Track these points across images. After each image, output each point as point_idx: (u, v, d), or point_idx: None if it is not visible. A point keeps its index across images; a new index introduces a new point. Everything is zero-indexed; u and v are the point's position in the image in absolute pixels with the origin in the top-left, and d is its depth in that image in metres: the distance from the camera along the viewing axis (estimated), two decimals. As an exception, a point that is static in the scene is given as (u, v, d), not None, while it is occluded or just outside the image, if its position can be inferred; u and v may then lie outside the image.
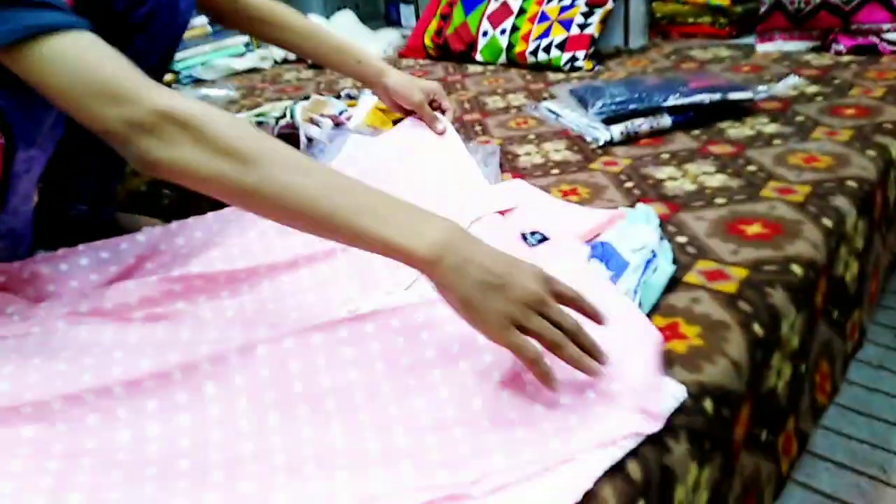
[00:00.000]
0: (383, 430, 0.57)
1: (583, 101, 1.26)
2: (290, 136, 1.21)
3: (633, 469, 0.51)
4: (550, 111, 1.32)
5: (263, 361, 0.63)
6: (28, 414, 0.57)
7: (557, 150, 1.16)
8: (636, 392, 0.56)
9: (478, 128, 1.32)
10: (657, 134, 1.18)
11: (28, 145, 0.70)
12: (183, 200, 1.05)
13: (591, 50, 1.67)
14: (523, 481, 0.50)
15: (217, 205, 0.94)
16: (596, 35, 1.68)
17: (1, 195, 0.71)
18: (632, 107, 1.17)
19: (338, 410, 0.59)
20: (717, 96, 1.21)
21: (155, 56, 0.90)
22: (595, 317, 0.57)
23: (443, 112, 1.09)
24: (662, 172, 1.03)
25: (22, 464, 0.52)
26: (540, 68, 1.70)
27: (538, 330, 0.53)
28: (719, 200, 0.92)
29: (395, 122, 1.27)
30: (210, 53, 1.96)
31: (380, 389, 0.61)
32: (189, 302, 0.76)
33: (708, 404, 0.59)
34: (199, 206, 0.97)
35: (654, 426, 0.54)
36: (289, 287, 0.81)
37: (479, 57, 1.82)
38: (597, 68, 1.65)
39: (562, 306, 0.56)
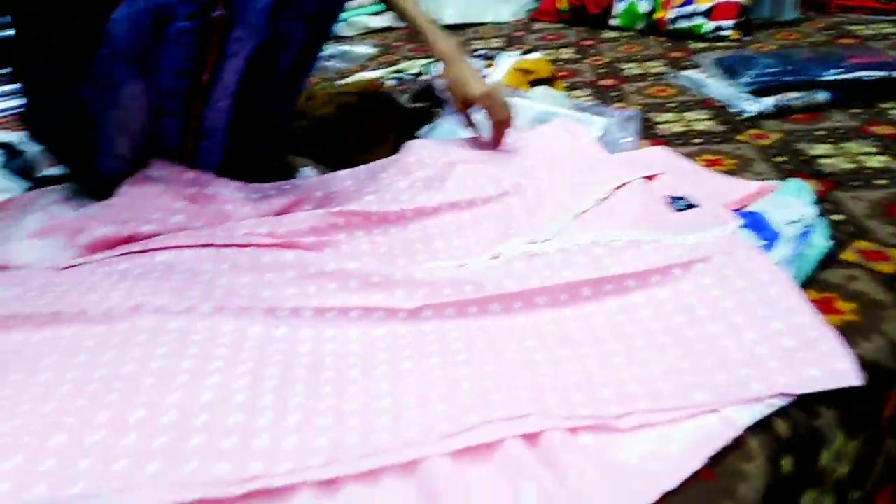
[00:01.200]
0: (529, 364, 0.61)
1: (731, 70, 1.22)
2: (428, 92, 1.26)
3: (781, 426, 0.52)
4: (693, 80, 1.28)
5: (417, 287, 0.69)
6: (205, 312, 0.66)
7: (700, 120, 1.13)
8: (786, 354, 0.57)
9: (614, 94, 1.31)
10: (811, 110, 1.12)
11: (240, 22, 0.77)
12: (334, 147, 1.13)
13: (740, 20, 1.59)
14: (667, 424, 0.53)
15: (363, 154, 1.03)
16: (745, 4, 1.60)
17: (211, 78, 0.79)
18: (786, 79, 1.12)
19: (489, 341, 0.64)
20: (882, 73, 1.13)
21: None
22: None
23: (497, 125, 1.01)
24: (817, 149, 0.98)
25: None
26: (680, 36, 1.64)
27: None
28: (880, 181, 0.88)
29: (532, 83, 1.29)
30: (349, 11, 2.04)
31: (539, 324, 0.65)
32: (348, 234, 0.83)
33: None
34: (349, 154, 1.05)
35: (806, 388, 0.54)
36: (434, 230, 0.86)
37: (614, 22, 1.79)
38: (745, 39, 1.57)
39: None
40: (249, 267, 0.73)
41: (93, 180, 0.90)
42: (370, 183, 0.95)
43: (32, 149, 1.03)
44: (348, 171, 0.98)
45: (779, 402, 0.53)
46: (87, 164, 0.88)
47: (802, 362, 0.56)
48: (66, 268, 0.77)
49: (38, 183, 1.00)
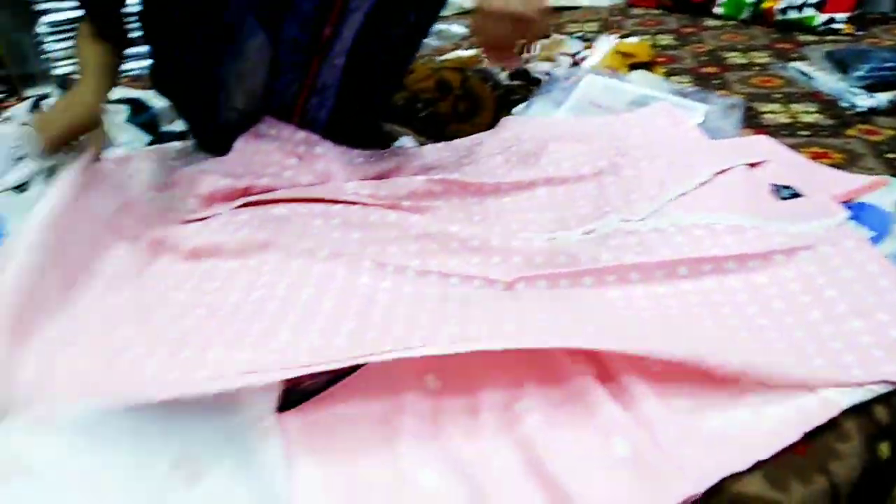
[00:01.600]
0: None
1: (842, 64, 1.17)
2: (524, 71, 1.28)
3: (880, 411, 0.52)
4: (801, 72, 1.24)
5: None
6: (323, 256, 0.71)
7: (808, 112, 1.10)
8: (892, 343, 0.56)
9: (716, 81, 1.28)
10: (931, 108, 1.06)
11: None
12: (433, 120, 1.16)
13: (854, 13, 1.51)
14: (762, 398, 0.53)
15: (460, 128, 1.06)
16: (862, -4, 1.52)
17: (333, 32, 0.82)
18: (905, 74, 1.07)
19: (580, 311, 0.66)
20: None
21: None
22: None
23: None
24: (934, 147, 0.94)
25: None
26: (788, 27, 1.58)
27: None
28: None
29: (632, 67, 1.29)
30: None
31: (632, 299, 0.67)
32: (445, 201, 0.87)
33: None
34: (446, 127, 1.09)
35: None
36: (528, 204, 0.88)
37: (718, 10, 1.73)
38: (858, 33, 1.50)
39: None
40: (358, 224, 0.78)
41: (210, 134, 0.96)
42: (467, 156, 0.98)
43: (158, 104, 1.11)
44: (445, 143, 1.01)
45: (880, 389, 0.53)
46: (206, 118, 0.93)
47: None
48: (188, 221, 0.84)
49: (161, 138, 1.08)
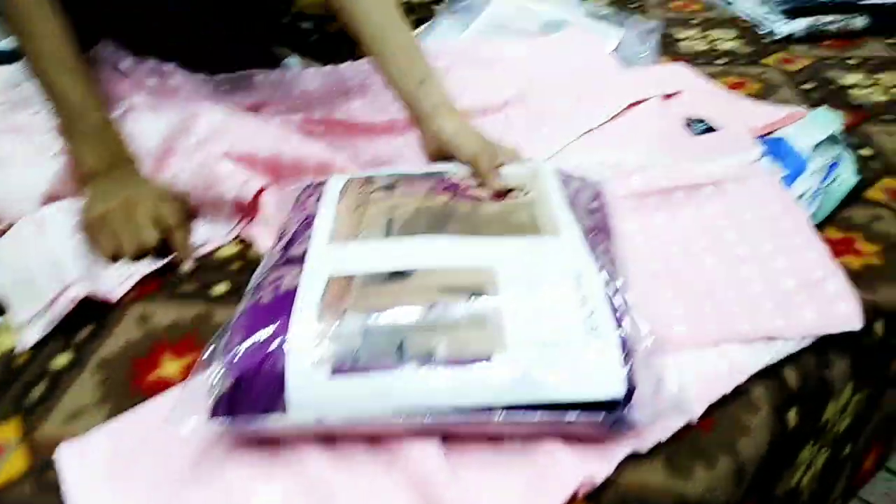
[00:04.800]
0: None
1: (763, -13, 1.11)
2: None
3: (790, 375, 0.48)
4: (721, -5, 1.17)
5: None
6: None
7: (725, 39, 1.03)
8: (784, 295, 0.52)
9: (634, 5, 1.19)
10: (846, 36, 1.02)
11: None
12: (323, 42, 1.03)
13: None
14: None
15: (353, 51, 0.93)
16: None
17: None
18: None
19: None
20: (929, 0, 1.02)
21: None
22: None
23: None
24: (848, 78, 0.90)
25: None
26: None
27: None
28: (916, 117, 0.80)
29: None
30: None
31: None
32: (327, 143, 0.76)
33: (878, 327, 0.53)
34: (336, 52, 0.95)
35: (798, 332, 0.49)
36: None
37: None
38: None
39: None
40: None
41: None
42: (357, 85, 0.86)
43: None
44: (332, 68, 0.88)
45: (790, 348, 0.48)
46: None
47: (800, 304, 0.51)
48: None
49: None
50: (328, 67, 0.88)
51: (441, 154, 0.66)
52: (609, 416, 0.40)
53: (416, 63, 0.68)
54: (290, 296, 0.44)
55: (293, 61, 0.94)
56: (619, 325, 0.43)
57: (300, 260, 0.48)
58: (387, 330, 0.42)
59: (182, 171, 0.70)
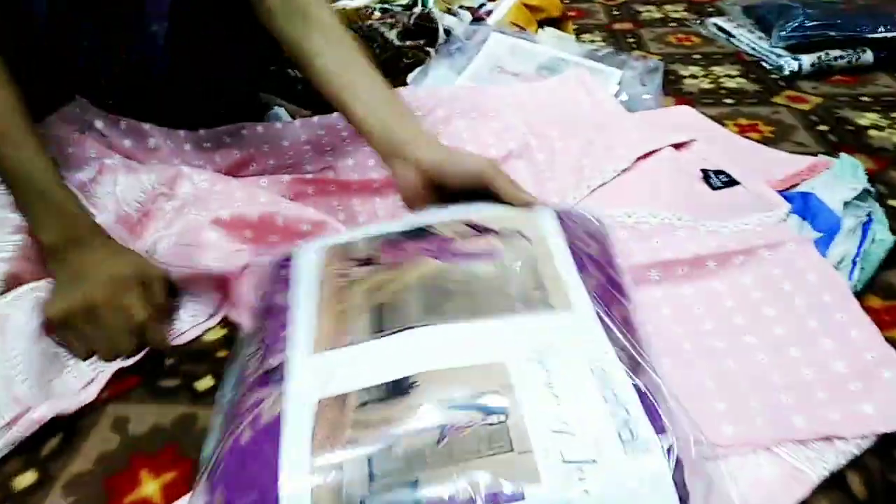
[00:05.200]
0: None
1: (764, 21, 1.08)
2: (421, 28, 1.10)
3: (854, 482, 0.42)
4: (720, 28, 1.14)
5: None
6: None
7: (730, 76, 1.00)
8: (837, 382, 0.47)
9: (631, 39, 1.16)
10: (854, 71, 0.99)
11: None
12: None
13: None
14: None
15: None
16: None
17: None
18: (830, 33, 0.98)
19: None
20: (936, 32, 1.00)
21: None
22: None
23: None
24: (864, 118, 0.86)
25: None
26: (702, -22, 1.48)
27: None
28: (941, 161, 0.76)
29: (540, 23, 1.14)
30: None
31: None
32: (320, 202, 0.70)
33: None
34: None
35: (857, 430, 0.44)
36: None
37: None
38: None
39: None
40: None
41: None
42: (349, 138, 0.81)
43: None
44: (320, 118, 0.83)
45: (851, 448, 0.43)
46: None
47: (856, 394, 0.46)
48: None
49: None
50: (317, 118, 0.83)
51: (424, 184, 0.56)
52: None
53: (389, 102, 0.61)
54: (274, 431, 0.37)
55: (281, 111, 0.89)
56: (661, 430, 0.38)
57: (279, 376, 0.41)
58: (396, 467, 0.35)
59: (161, 238, 0.64)
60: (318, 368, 0.41)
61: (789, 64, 0.98)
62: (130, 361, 0.54)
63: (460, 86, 0.93)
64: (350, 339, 0.42)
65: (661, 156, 0.72)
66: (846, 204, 0.62)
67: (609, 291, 0.47)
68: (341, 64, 0.62)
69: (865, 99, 0.91)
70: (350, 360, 0.41)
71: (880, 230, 0.61)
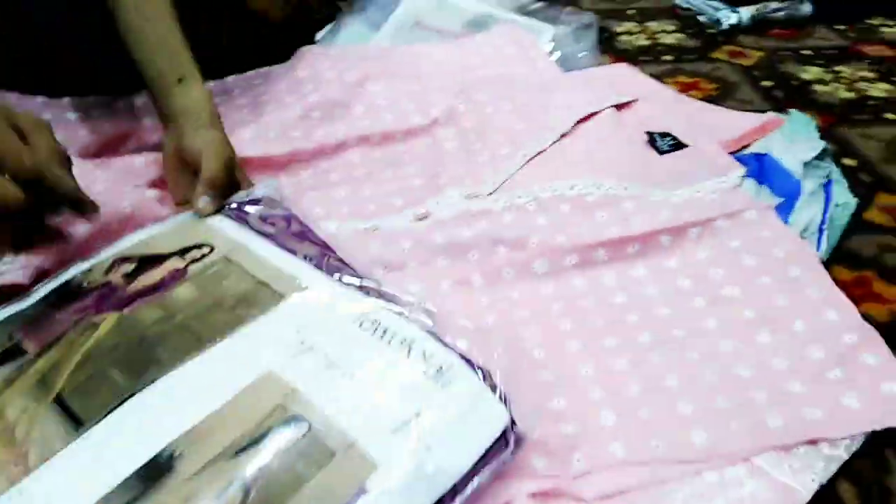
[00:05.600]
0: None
1: (698, -28, 1.02)
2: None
3: (846, 493, 0.36)
4: (654, -18, 1.07)
5: None
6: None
7: (667, 32, 0.93)
8: (814, 371, 0.40)
9: (562, -5, 1.08)
10: (792, 24, 0.94)
11: None
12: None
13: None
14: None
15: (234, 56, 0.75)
16: None
17: None
18: (768, -16, 0.93)
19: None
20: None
21: None
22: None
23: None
24: (807, 73, 0.81)
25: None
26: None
27: None
28: (889, 115, 0.72)
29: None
30: None
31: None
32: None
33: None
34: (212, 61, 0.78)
35: (840, 429, 0.38)
36: (335, 177, 0.63)
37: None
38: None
39: None
40: None
41: None
42: (248, 108, 0.69)
43: None
44: (212, 84, 0.71)
45: (840, 453, 0.37)
46: None
47: (837, 385, 0.40)
48: None
49: None
50: (210, 83, 0.71)
51: (179, 164, 0.52)
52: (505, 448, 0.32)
53: (176, 60, 0.54)
54: None
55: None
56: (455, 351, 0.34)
57: None
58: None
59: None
60: None
61: (728, 17, 0.92)
62: None
63: (376, 45, 0.83)
64: (39, 455, 0.30)
65: (602, 119, 0.64)
66: (805, 164, 0.56)
67: (324, 252, 0.42)
68: (139, 16, 0.55)
69: (807, 52, 0.87)
70: (58, 476, 0.29)
71: (840, 192, 0.56)
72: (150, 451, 0.29)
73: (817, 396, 0.39)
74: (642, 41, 0.91)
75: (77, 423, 0.30)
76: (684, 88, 0.78)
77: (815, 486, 0.35)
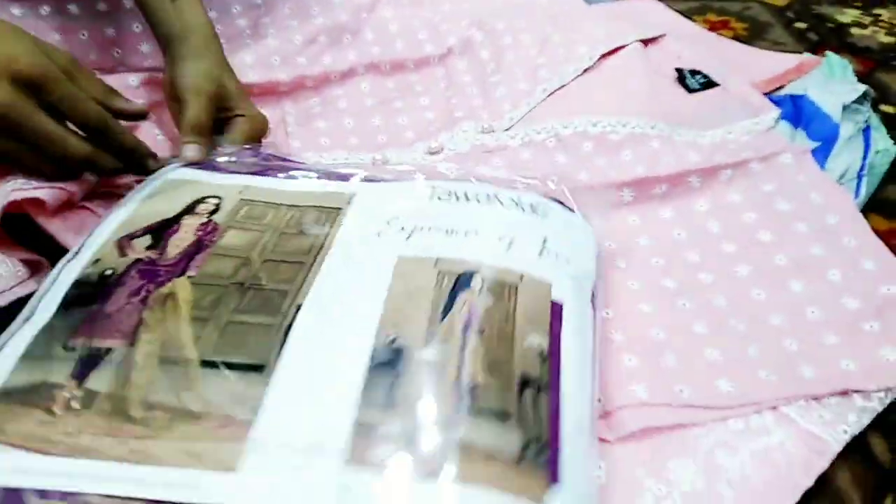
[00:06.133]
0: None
1: None
2: None
3: (878, 446, 0.35)
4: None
5: None
6: None
7: (696, -33, 0.88)
8: (849, 321, 0.38)
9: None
10: (828, -37, 0.89)
11: None
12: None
13: None
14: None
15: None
16: None
17: None
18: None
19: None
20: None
21: None
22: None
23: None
24: (845, 15, 0.77)
25: None
26: None
27: None
28: (929, 62, 0.68)
29: None
30: None
31: None
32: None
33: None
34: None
35: (877, 380, 0.36)
36: (343, 106, 0.59)
37: None
38: None
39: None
40: None
41: None
42: (250, 30, 0.65)
43: None
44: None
45: (873, 405, 0.35)
46: None
47: (872, 336, 0.38)
48: None
49: None
50: None
51: (174, 93, 0.47)
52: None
53: None
54: None
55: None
56: None
57: None
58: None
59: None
60: None
61: (762, -47, 0.86)
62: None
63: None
64: (242, 413, 0.27)
65: (629, 53, 0.60)
66: (843, 108, 0.53)
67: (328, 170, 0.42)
68: None
69: (843, -6, 0.82)
70: (289, 411, 0.27)
71: (880, 138, 0.52)
72: (364, 348, 0.29)
73: (852, 348, 0.37)
74: (669, -24, 0.86)
75: (254, 369, 0.28)
76: (713, 27, 0.74)
77: (846, 438, 0.33)
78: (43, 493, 0.23)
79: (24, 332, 0.30)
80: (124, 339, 0.29)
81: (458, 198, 0.37)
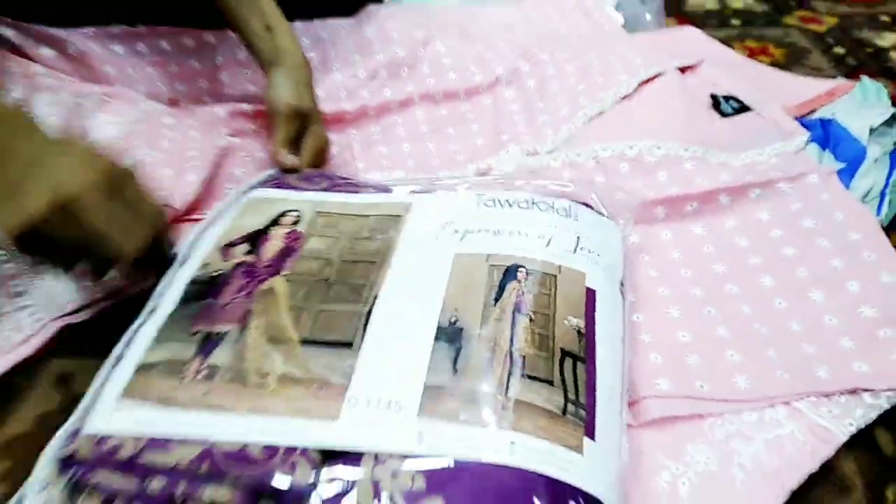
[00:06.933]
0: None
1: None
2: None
3: (884, 439, 0.38)
4: (726, -55, 1.04)
5: None
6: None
7: (738, -4, 0.91)
8: (865, 328, 0.42)
9: (629, -42, 1.06)
10: (871, -12, 0.91)
11: None
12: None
13: None
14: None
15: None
16: None
17: None
18: (848, -53, 0.90)
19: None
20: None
21: None
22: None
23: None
24: (884, 39, 0.79)
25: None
26: None
27: None
28: (968, 84, 0.70)
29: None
30: None
31: None
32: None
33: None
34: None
35: (889, 381, 0.39)
36: (402, 132, 0.66)
37: None
38: None
39: None
40: None
41: None
42: (318, 64, 0.72)
43: None
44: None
45: (881, 403, 0.38)
46: None
47: (886, 342, 0.41)
48: None
49: None
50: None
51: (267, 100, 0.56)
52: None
53: (261, 7, 0.57)
54: None
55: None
56: None
57: None
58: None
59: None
60: None
61: (802, -19, 0.90)
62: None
63: (442, 4, 0.84)
64: (336, 380, 0.34)
65: (666, 80, 0.65)
66: (871, 131, 0.56)
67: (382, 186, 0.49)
68: None
69: (885, 18, 0.84)
70: (378, 377, 0.34)
71: (908, 160, 0.55)
72: (431, 328, 0.35)
73: (866, 352, 0.40)
74: (711, 5, 0.90)
75: (344, 345, 0.35)
76: (752, 53, 0.77)
77: (851, 430, 0.37)
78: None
79: (153, 321, 0.37)
80: (237, 324, 0.37)
81: (501, 204, 0.44)
